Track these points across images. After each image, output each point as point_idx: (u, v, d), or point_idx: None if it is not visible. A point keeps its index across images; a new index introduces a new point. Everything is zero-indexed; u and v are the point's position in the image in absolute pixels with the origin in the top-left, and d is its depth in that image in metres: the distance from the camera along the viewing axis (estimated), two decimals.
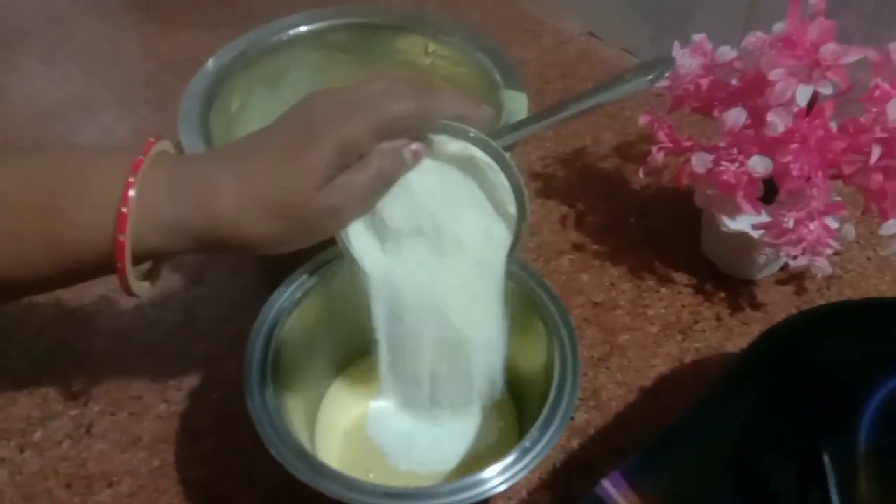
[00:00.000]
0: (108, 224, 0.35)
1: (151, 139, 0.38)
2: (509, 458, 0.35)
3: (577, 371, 0.38)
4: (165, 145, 0.39)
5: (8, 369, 0.54)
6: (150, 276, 0.41)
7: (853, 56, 0.46)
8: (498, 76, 0.57)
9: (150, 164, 0.36)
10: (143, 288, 0.39)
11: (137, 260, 0.37)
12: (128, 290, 0.38)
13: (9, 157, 0.39)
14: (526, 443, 0.35)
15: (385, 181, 0.39)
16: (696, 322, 0.57)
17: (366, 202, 0.40)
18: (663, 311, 0.58)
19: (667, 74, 0.44)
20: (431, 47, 0.61)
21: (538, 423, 0.36)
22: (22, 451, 0.50)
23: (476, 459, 0.44)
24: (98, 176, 0.36)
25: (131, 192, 0.35)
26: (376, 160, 0.38)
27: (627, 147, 0.71)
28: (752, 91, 0.50)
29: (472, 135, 0.40)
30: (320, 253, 0.44)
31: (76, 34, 0.85)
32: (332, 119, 0.37)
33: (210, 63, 0.58)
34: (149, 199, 0.36)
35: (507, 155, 0.41)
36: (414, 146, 0.39)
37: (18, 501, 0.48)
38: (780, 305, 0.58)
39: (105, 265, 0.36)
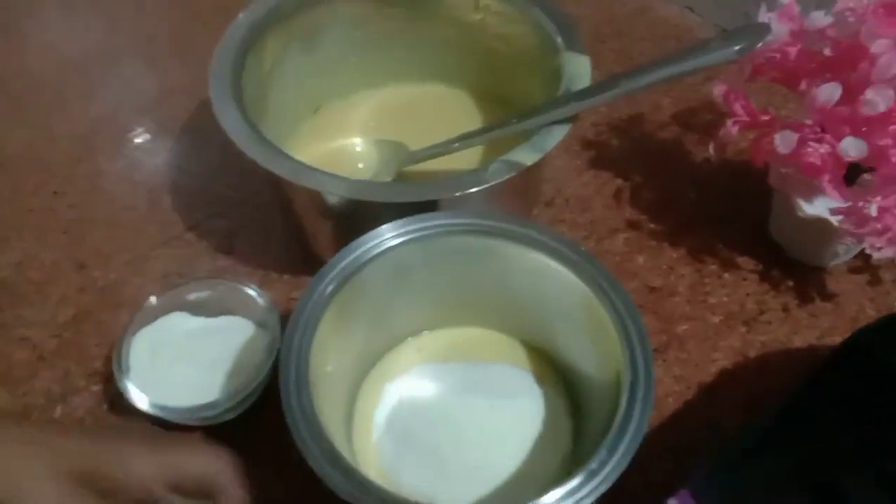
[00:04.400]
0: None
1: None
2: (574, 482, 0.31)
3: (651, 380, 0.35)
4: None
5: (28, 340, 0.52)
6: None
7: None
8: (558, 38, 0.51)
9: None
10: None
11: None
12: None
13: None
14: (593, 464, 0.31)
15: None
16: (761, 313, 0.53)
17: None
18: (726, 299, 0.54)
19: (759, 44, 0.39)
20: (483, 2, 0.56)
21: (606, 442, 0.32)
22: None
23: (527, 464, 0.41)
24: None
25: None
26: None
27: (688, 115, 0.66)
28: (846, 63, 0.45)
29: None
30: (351, 243, 0.41)
31: None
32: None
33: (242, 16, 0.53)
34: None
35: None
36: None
37: None
38: (852, 296, 0.54)
39: None
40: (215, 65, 0.50)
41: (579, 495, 0.31)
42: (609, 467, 0.31)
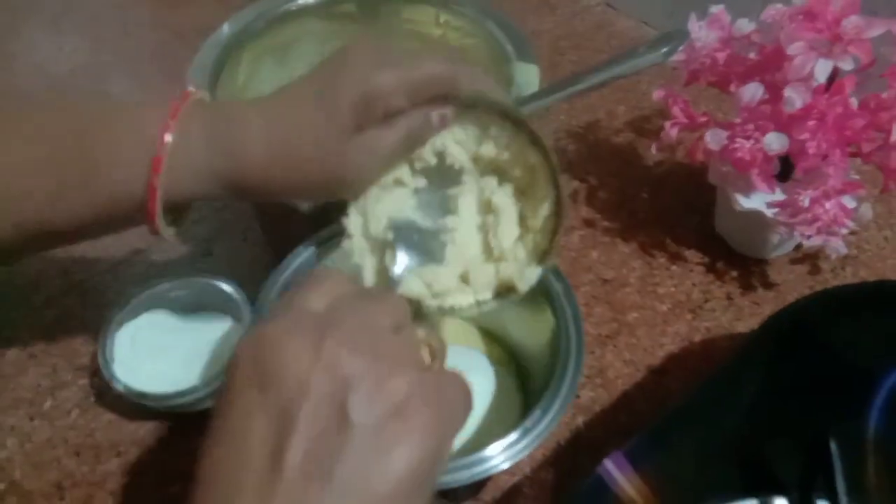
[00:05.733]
0: (143, 166, 0.36)
1: (190, 89, 0.39)
2: (511, 437, 0.35)
3: (581, 352, 0.38)
4: (203, 95, 0.40)
5: (18, 339, 0.55)
6: (177, 222, 0.40)
7: (877, 30, 0.45)
8: (510, 48, 0.55)
9: (187, 111, 0.37)
10: (170, 232, 0.40)
11: (169, 203, 0.37)
12: (155, 232, 0.39)
13: (45, 102, 0.40)
14: (528, 423, 0.35)
15: (412, 142, 0.39)
16: (706, 301, 0.57)
17: (390, 161, 0.39)
18: (673, 289, 0.57)
19: (681, 48, 0.43)
20: (443, 17, 0.60)
21: (541, 403, 0.36)
22: (32, 419, 0.50)
23: (480, 434, 0.44)
24: (137, 120, 0.37)
25: (168, 137, 0.36)
26: (405, 120, 0.37)
27: (641, 121, 0.70)
28: (771, 65, 0.49)
29: (512, 112, 0.39)
30: (323, 229, 0.44)
31: (85, 3, 0.85)
32: (363, 66, 0.36)
33: (217, 34, 0.57)
34: (184, 144, 0.36)
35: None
36: (443, 110, 0.39)
37: (28, 470, 0.48)
38: (792, 285, 0.58)
39: (138, 208, 0.37)
40: (191, 80, 0.54)
41: (516, 448, 0.34)
42: (542, 425, 0.35)
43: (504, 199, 0.41)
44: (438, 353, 0.31)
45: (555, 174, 0.38)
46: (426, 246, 0.40)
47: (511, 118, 0.39)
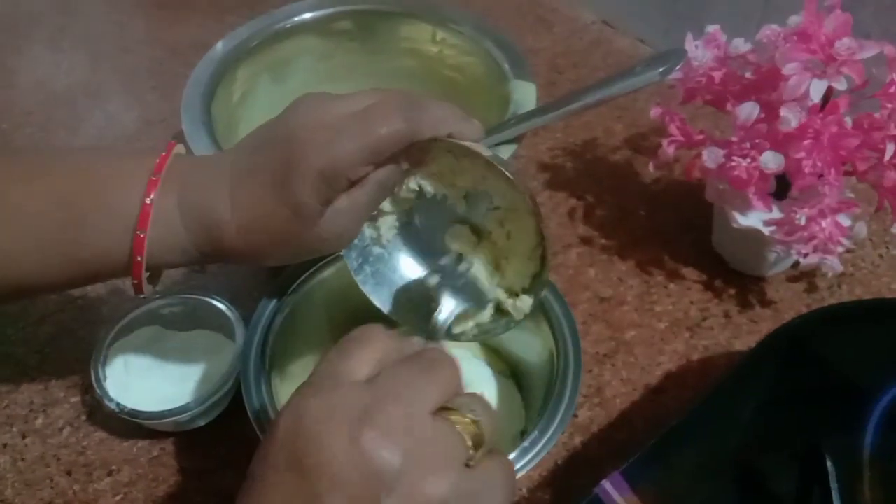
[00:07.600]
0: (126, 244, 0.37)
1: (164, 152, 0.38)
2: (509, 457, 0.34)
3: (579, 371, 0.38)
4: (178, 149, 0.40)
5: (12, 356, 0.54)
6: (152, 279, 0.41)
7: (869, 51, 0.45)
8: (507, 66, 0.56)
9: (163, 185, 0.37)
10: (150, 289, 0.40)
11: (151, 269, 0.39)
12: (139, 293, 0.39)
13: (29, 166, 0.39)
14: (525, 443, 0.35)
15: (385, 191, 0.38)
16: (704, 319, 0.57)
17: (368, 213, 0.39)
18: (671, 307, 0.57)
19: (678, 67, 0.43)
20: (439, 35, 0.60)
21: (538, 423, 0.35)
22: (24, 437, 0.50)
23: None
24: (116, 195, 0.37)
25: (148, 226, 0.36)
26: (373, 175, 0.37)
27: (639, 139, 0.70)
28: (766, 85, 0.49)
29: (486, 154, 0.37)
30: None
31: (85, 20, 0.85)
32: (315, 144, 0.35)
33: (213, 51, 0.57)
34: (163, 223, 0.37)
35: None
36: (405, 162, 0.38)
37: (20, 488, 0.48)
38: (790, 303, 0.58)
39: (121, 274, 0.38)
40: (187, 95, 0.54)
41: (515, 468, 0.34)
42: (539, 445, 0.35)
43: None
44: (485, 436, 0.29)
45: (531, 206, 0.37)
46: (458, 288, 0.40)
47: (482, 156, 0.37)
